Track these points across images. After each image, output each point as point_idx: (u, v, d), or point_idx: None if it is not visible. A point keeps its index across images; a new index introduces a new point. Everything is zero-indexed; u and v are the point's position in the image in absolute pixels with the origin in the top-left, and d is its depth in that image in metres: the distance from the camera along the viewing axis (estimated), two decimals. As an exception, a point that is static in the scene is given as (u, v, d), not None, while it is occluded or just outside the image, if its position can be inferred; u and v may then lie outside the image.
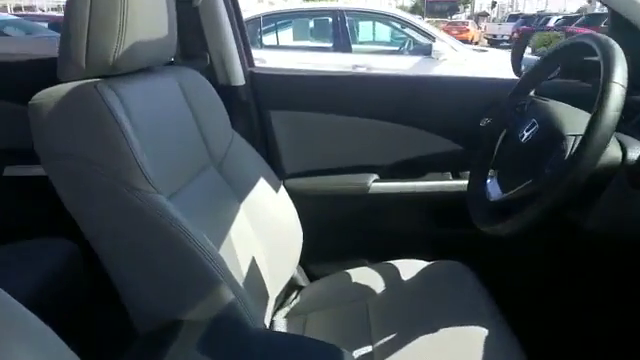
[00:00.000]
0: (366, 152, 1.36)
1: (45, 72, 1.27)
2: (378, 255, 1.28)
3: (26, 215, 1.38)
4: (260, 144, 1.34)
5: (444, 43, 4.57)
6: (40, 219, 1.34)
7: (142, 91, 0.88)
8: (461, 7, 29.03)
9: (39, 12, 11.48)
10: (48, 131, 0.78)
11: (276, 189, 1.19)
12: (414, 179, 1.35)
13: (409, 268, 1.18)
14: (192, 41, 1.25)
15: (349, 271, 1.24)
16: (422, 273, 1.16)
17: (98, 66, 0.80)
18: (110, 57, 0.78)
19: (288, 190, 1.23)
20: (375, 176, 1.36)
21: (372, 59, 4.57)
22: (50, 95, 0.78)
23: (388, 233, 1.38)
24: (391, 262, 1.22)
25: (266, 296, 1.07)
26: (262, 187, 1.14)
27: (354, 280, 1.20)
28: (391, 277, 1.17)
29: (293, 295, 1.24)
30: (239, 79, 1.31)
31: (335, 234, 1.37)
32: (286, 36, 5.14)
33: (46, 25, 5.49)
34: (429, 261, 1.20)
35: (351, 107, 1.34)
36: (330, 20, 4.87)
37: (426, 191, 1.33)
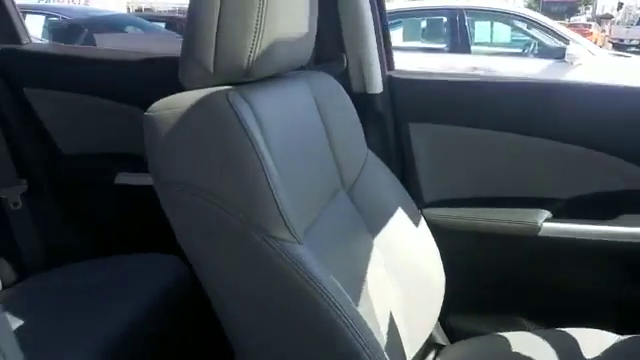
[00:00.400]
0: (535, 180, 1.08)
1: (162, 72, 1.13)
2: (544, 317, 1.00)
3: (137, 226, 1.28)
4: (395, 164, 1.12)
5: (579, 46, 4.04)
6: (152, 232, 1.24)
7: (277, 103, 0.71)
8: (581, 8, 26.73)
9: (157, 13, 12.27)
10: (163, 152, 0.62)
11: (415, 222, 0.97)
12: (602, 221, 1.03)
13: (593, 341, 0.89)
14: (328, 40, 1.05)
15: (505, 335, 0.97)
16: (613, 350, 0.86)
17: (229, 72, 0.64)
18: (244, 61, 0.63)
19: (427, 222, 1.00)
20: (547, 213, 1.06)
21: (492, 62, 4.17)
22: (169, 106, 0.62)
23: (561, 290, 1.07)
24: (565, 330, 0.93)
25: (403, 358, 0.85)
26: (399, 219, 0.94)
27: (514, 348, 0.93)
28: (567, 350, 0.89)
29: (431, 357, 1.00)
30: (377, 86, 1.09)
31: (485, 283, 1.10)
32: (395, 36, 4.89)
33: (163, 25, 5.74)
34: (621, 334, 0.90)
35: (515, 121, 1.06)
36: (445, 19, 4.55)
37: (619, 240, 1.01)
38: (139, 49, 1.24)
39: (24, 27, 1.26)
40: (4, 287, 1.16)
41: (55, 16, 5.05)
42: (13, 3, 1.24)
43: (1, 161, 1.17)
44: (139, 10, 14.06)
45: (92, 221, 1.32)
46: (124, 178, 1.25)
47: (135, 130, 1.23)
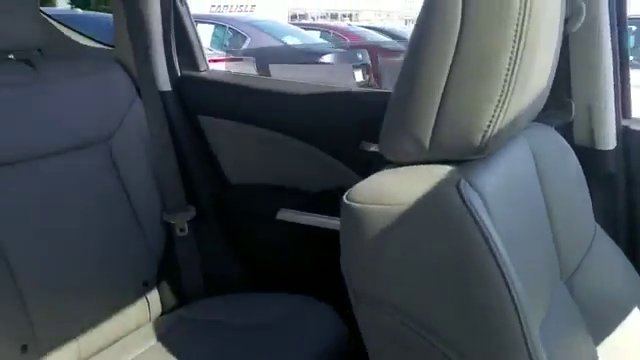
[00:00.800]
0: None
1: (338, 107, 1.02)
2: None
3: (294, 265, 1.22)
4: (624, 239, 0.87)
5: None
6: (307, 273, 1.17)
7: (501, 180, 0.54)
8: None
9: (310, 20, 12.74)
10: (364, 255, 0.49)
11: None
12: None
13: None
14: (553, 85, 0.85)
15: None
16: None
17: (451, 149, 0.49)
18: (477, 137, 0.46)
19: None
20: None
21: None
22: (378, 198, 0.48)
23: None
24: None
25: None
26: (631, 316, 0.70)
27: None
28: None
29: None
30: (609, 140, 0.86)
31: None
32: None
33: (318, 34, 5.87)
34: None
35: None
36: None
37: None
38: (314, 80, 1.15)
39: (203, 55, 1.25)
40: (163, 312, 1.17)
41: (222, 25, 5.44)
42: (195, 32, 1.24)
43: (173, 186, 1.17)
44: (294, 17, 14.73)
45: (250, 253, 1.28)
46: (285, 214, 1.18)
47: (304, 166, 1.15)
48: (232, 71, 1.35)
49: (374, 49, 4.74)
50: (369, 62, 4.54)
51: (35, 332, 0.92)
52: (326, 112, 1.09)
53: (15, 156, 0.94)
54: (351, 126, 1.04)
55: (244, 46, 4.88)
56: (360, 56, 4.41)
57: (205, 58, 1.25)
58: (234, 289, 1.21)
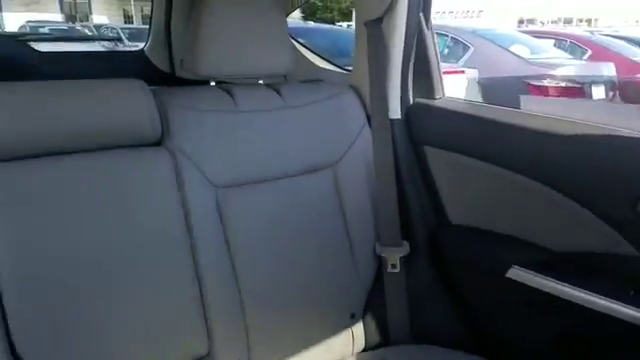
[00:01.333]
0: None
1: (593, 150, 0.81)
2: None
3: (512, 332, 1.05)
4: None
5: None
6: (532, 346, 1.02)
7: None
8: None
9: (539, 25, 11.60)
10: None
11: None
12: None
13: None
14: None
15: None
16: None
17: None
18: None
19: None
20: None
21: None
22: None
23: None
24: None
25: None
26: None
27: None
28: None
29: None
30: None
31: None
32: None
33: (552, 43, 5.25)
34: None
35: None
36: None
37: None
38: (577, 118, 0.95)
39: (441, 82, 1.15)
40: (366, 348, 1.12)
41: (444, 35, 5.28)
42: (437, 57, 1.14)
43: (390, 219, 1.10)
44: (520, 22, 13.61)
45: (464, 305, 1.13)
46: (518, 274, 1.00)
47: (547, 218, 0.96)
48: (471, 100, 1.21)
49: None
50: (615, 79, 3.84)
51: (250, 352, 0.94)
52: (590, 157, 0.89)
53: (257, 177, 0.98)
54: (626, 179, 0.83)
55: (465, 56, 4.64)
56: (604, 70, 3.76)
57: (443, 85, 1.15)
58: (441, 340, 1.09)
